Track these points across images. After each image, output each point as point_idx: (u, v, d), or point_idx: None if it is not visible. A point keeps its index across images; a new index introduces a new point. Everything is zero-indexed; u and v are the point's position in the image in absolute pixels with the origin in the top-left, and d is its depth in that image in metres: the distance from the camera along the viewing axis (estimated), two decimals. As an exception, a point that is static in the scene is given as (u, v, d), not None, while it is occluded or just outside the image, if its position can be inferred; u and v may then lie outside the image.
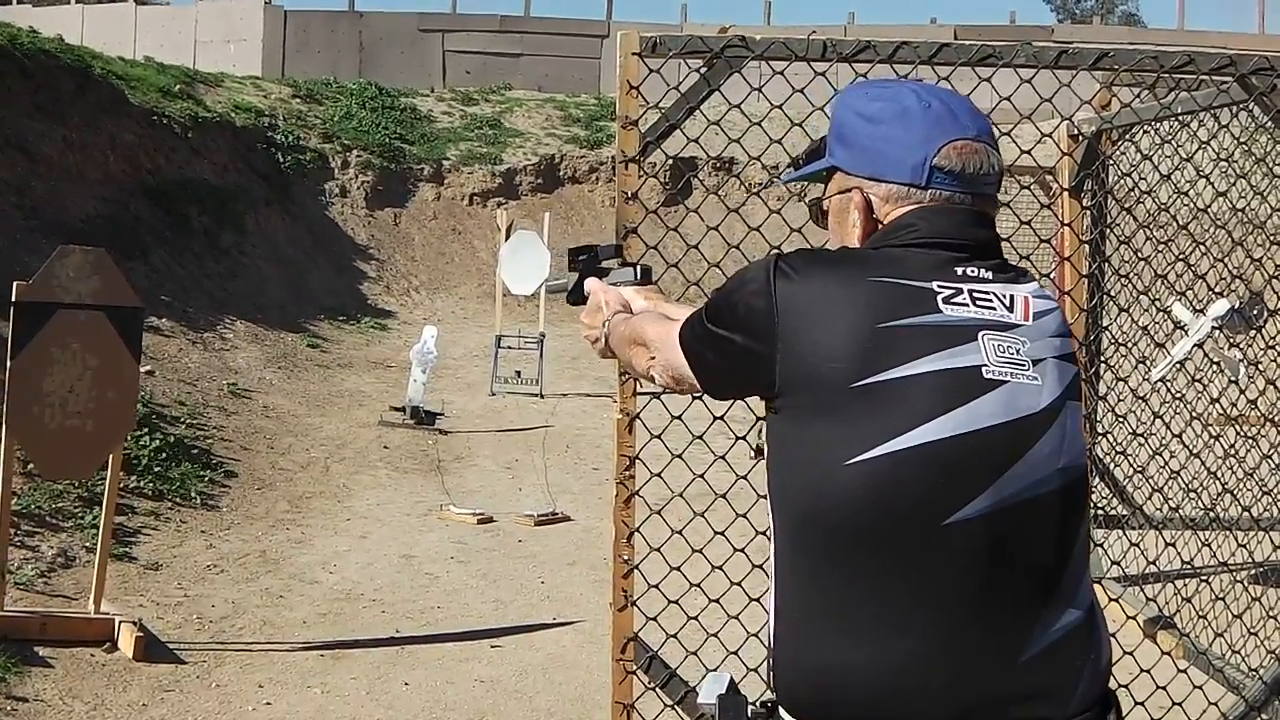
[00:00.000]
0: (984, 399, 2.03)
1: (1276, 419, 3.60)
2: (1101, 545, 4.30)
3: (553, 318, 15.16)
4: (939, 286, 2.09)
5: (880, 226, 2.19)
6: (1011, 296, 2.12)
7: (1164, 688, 3.62)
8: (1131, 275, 3.99)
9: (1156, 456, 3.80)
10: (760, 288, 2.12)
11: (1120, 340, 4.41)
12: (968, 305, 2.08)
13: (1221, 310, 3.72)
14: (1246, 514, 3.86)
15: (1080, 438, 2.12)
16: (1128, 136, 4.68)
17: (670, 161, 16.32)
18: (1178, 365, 3.95)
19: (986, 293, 2.11)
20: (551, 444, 11.67)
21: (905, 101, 2.20)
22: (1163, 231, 3.99)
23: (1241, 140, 3.75)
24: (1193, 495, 3.95)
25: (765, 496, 2.13)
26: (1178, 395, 3.83)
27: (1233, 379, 3.72)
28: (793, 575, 2.11)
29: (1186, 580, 4.10)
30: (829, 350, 2.04)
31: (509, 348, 14.74)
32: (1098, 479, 4.74)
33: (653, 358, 2.40)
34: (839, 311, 2.06)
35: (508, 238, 15.25)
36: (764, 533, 2.19)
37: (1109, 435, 4.47)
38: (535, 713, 5.97)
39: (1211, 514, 4.07)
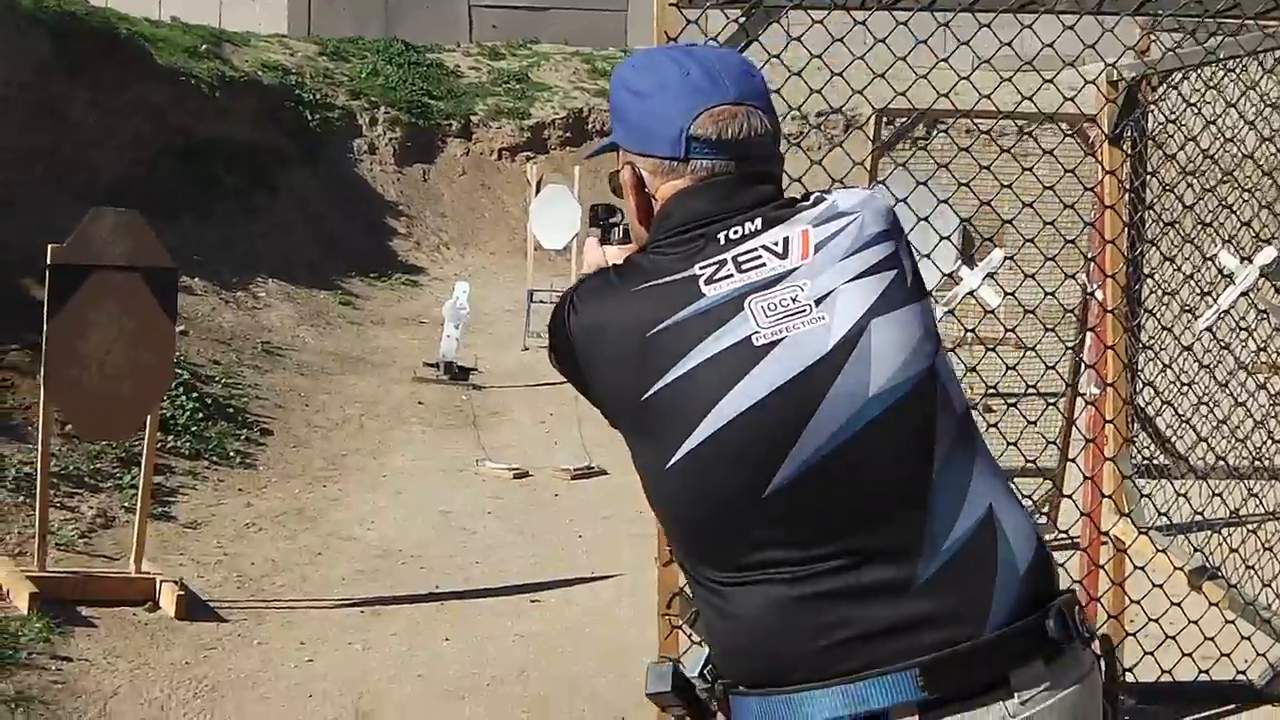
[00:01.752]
0: (760, 366, 1.99)
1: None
2: (1147, 496, 4.27)
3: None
4: (700, 269, 2.06)
5: (654, 202, 2.18)
6: (786, 239, 2.07)
7: (1211, 639, 3.61)
8: (1174, 223, 3.95)
9: (1201, 405, 3.77)
10: (559, 328, 2.17)
11: (1164, 289, 4.37)
12: (732, 275, 2.05)
13: (1269, 258, 3.68)
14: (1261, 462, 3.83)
15: (904, 345, 2.03)
16: (1169, 82, 4.61)
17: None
18: (1224, 314, 3.91)
19: (753, 250, 2.07)
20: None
21: (664, 72, 2.17)
22: (1205, 179, 3.95)
23: (1288, 85, 3.70)
24: (1238, 444, 3.92)
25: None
26: (1224, 344, 3.80)
27: (1278, 327, 3.68)
28: (693, 592, 2.14)
29: (1233, 530, 4.07)
30: (614, 373, 2.08)
31: (541, 302, 14.69)
32: (1139, 429, 4.71)
33: None
34: (613, 334, 2.08)
35: (538, 192, 15.22)
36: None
37: (1152, 385, 4.44)
38: (576, 667, 5.99)
39: (1258, 463, 4.04)
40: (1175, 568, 3.96)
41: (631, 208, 2.24)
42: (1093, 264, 4.32)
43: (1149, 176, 4.58)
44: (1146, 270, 4.65)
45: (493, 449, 10.02)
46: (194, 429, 9.36)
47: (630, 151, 2.22)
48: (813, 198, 2.15)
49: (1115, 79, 4.64)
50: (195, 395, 9.88)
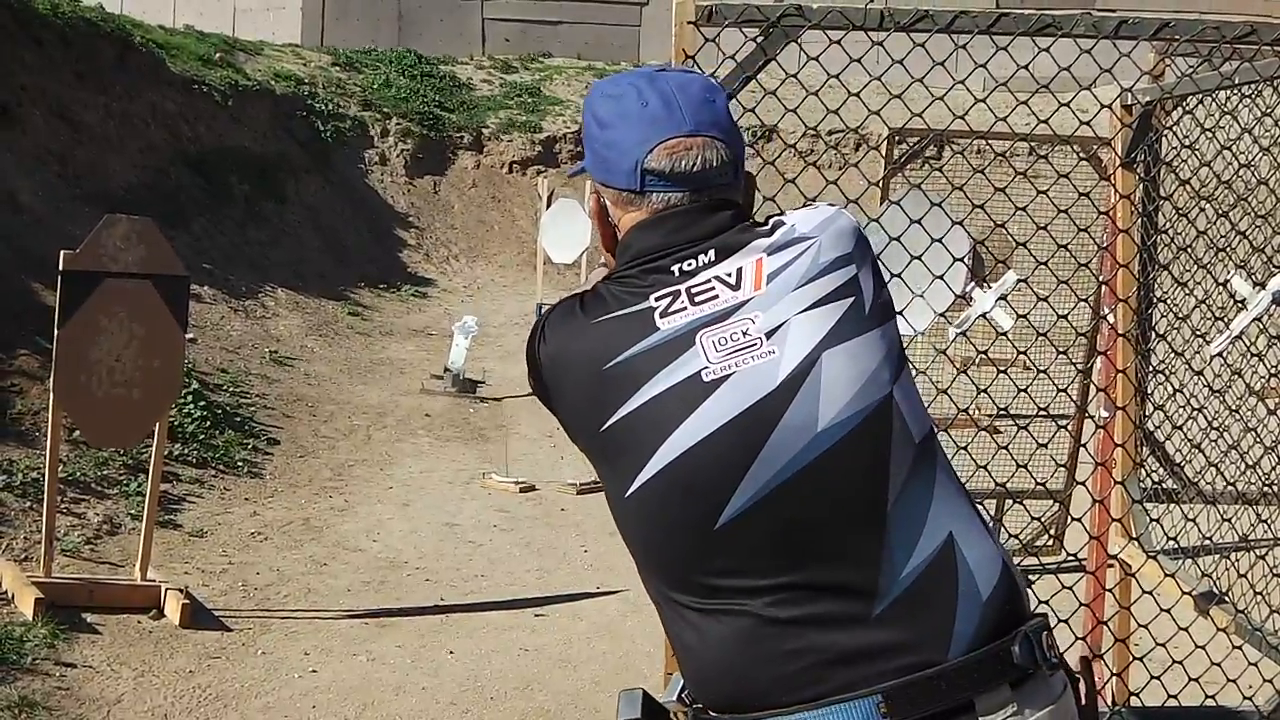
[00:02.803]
0: (709, 402, 2.00)
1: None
2: (1155, 520, 4.27)
3: (593, 286, 15.12)
4: (655, 300, 2.07)
5: (617, 231, 2.19)
6: (739, 269, 2.07)
7: (1218, 664, 3.60)
8: (1187, 248, 3.95)
9: (1212, 430, 3.77)
10: (531, 354, 2.19)
11: (1176, 313, 4.36)
12: (685, 308, 2.05)
13: (1280, 284, 3.69)
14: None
15: (857, 377, 2.02)
16: (1183, 107, 4.61)
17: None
18: (1235, 339, 3.91)
19: (706, 281, 2.07)
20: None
21: (625, 102, 2.17)
22: (1219, 204, 3.95)
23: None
24: (1249, 470, 3.91)
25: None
26: (1235, 370, 3.79)
27: (1292, 353, 3.68)
28: (662, 621, 2.13)
29: (1241, 556, 4.06)
30: (574, 404, 2.11)
31: (550, 316, 14.69)
32: (1148, 453, 4.70)
33: None
34: (574, 365, 2.10)
35: (549, 206, 15.24)
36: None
37: (1162, 409, 4.43)
38: (580, 682, 5.99)
39: (1267, 489, 4.03)
40: (1183, 592, 3.95)
41: (600, 235, 2.26)
42: (1104, 287, 4.31)
43: (1162, 201, 4.58)
44: (1158, 294, 4.65)
45: (499, 462, 10.02)
46: (201, 437, 9.38)
47: (595, 180, 2.22)
48: (771, 222, 2.16)
49: (1130, 103, 4.64)
50: (203, 403, 9.89)
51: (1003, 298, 3.40)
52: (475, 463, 10.11)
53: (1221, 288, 4.04)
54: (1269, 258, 3.77)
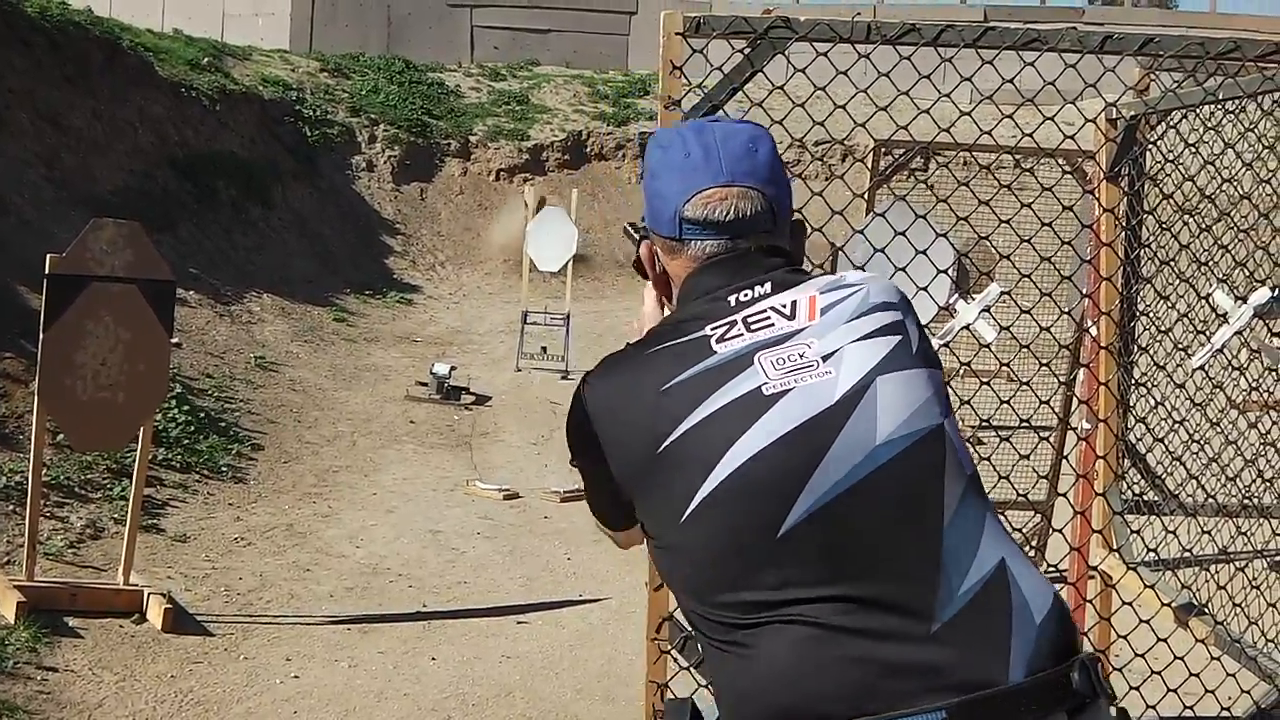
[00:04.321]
0: (770, 414, 2.05)
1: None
2: (1136, 531, 4.29)
3: (579, 294, 15.18)
4: (711, 329, 2.14)
5: (670, 277, 2.30)
6: (794, 303, 2.16)
7: (1197, 675, 3.61)
8: (1169, 261, 3.97)
9: (1193, 443, 3.79)
10: (576, 408, 2.24)
11: (1157, 326, 4.39)
12: (742, 334, 2.13)
13: (1263, 298, 3.70)
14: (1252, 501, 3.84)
15: (910, 402, 2.08)
16: (1168, 121, 4.64)
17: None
18: (1217, 352, 3.93)
19: (762, 312, 2.15)
20: (578, 421, 11.65)
21: (671, 152, 2.28)
22: (1202, 218, 3.98)
23: (1284, 126, 3.73)
24: (1229, 483, 3.94)
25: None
26: (1216, 384, 3.81)
27: (1271, 367, 3.70)
28: (698, 635, 2.13)
29: (1220, 568, 4.08)
30: (630, 432, 2.13)
31: (535, 323, 14.75)
32: (1130, 465, 4.72)
33: None
34: (629, 396, 2.15)
35: (535, 213, 15.25)
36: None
37: (1144, 421, 4.45)
38: (562, 689, 5.99)
39: (1247, 501, 4.05)
40: (1162, 603, 3.97)
41: (651, 279, 2.35)
42: (1088, 300, 4.33)
43: (1146, 214, 4.60)
44: (1141, 308, 4.68)
45: (484, 469, 10.03)
46: (185, 442, 9.37)
47: (649, 227, 2.32)
48: (818, 272, 2.26)
49: (1115, 117, 4.67)
50: (188, 408, 9.88)
51: (986, 309, 3.41)
52: (459, 470, 10.11)
53: (1204, 301, 4.06)
54: (1251, 272, 3.79)
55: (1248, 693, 3.62)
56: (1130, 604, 3.98)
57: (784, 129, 3.97)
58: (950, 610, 1.97)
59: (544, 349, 14.55)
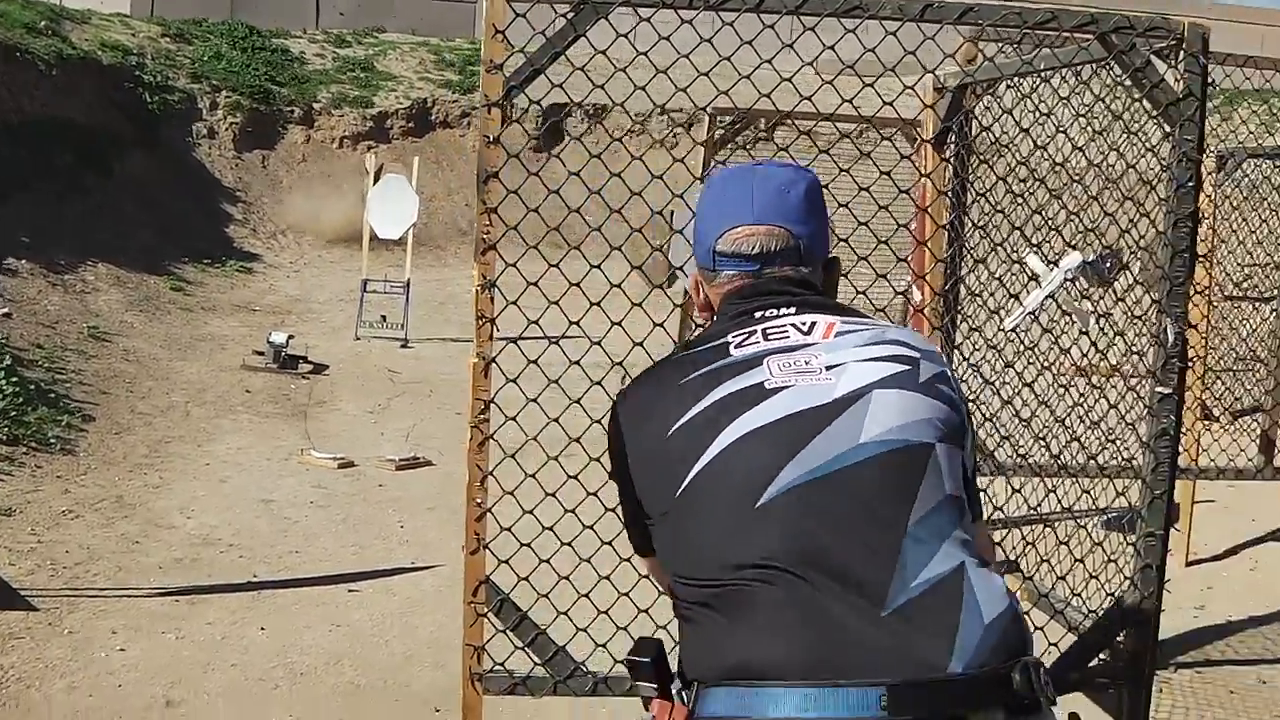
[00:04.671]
0: (767, 403, 2.24)
1: (1124, 370, 3.67)
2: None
3: (420, 263, 15.04)
4: (733, 336, 2.38)
5: (710, 301, 2.56)
6: (812, 323, 2.37)
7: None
8: (989, 227, 4.05)
9: (1008, 405, 3.86)
10: (611, 423, 2.47)
11: (976, 291, 4.47)
12: (759, 342, 2.35)
13: (1074, 263, 3.77)
14: (1093, 461, 3.93)
15: (904, 414, 2.22)
16: (991, 91, 4.72)
17: (541, 107, 16.15)
18: (1030, 316, 4.00)
19: (781, 326, 2.37)
20: (415, 389, 11.60)
21: (714, 193, 2.57)
22: (1021, 185, 4.05)
23: (1100, 97, 3.80)
24: (1041, 443, 4.02)
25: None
26: (1029, 345, 3.89)
27: (1083, 330, 3.78)
28: (676, 596, 2.31)
29: (1032, 526, 4.17)
30: (650, 422, 2.34)
31: (375, 292, 14.62)
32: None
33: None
34: (654, 391, 2.39)
35: (375, 181, 15.09)
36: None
37: (964, 384, 4.53)
38: (392, 657, 5.95)
39: (1059, 461, 4.14)
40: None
41: (697, 305, 2.62)
42: (909, 265, 4.40)
43: (968, 182, 4.68)
44: (963, 272, 4.76)
45: (319, 438, 9.91)
46: (13, 414, 9.12)
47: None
48: (830, 307, 2.44)
49: (939, 85, 4.74)
50: (15, 379, 9.63)
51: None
52: (294, 439, 9.98)
53: (1018, 266, 4.14)
54: (1066, 239, 3.87)
55: (1054, 645, 3.70)
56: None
57: (606, 93, 3.97)
58: (902, 599, 2.08)
59: (383, 318, 14.42)
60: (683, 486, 2.24)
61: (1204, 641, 6.78)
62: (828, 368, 2.27)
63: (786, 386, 2.25)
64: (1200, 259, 7.25)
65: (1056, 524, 3.84)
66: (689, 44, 3.56)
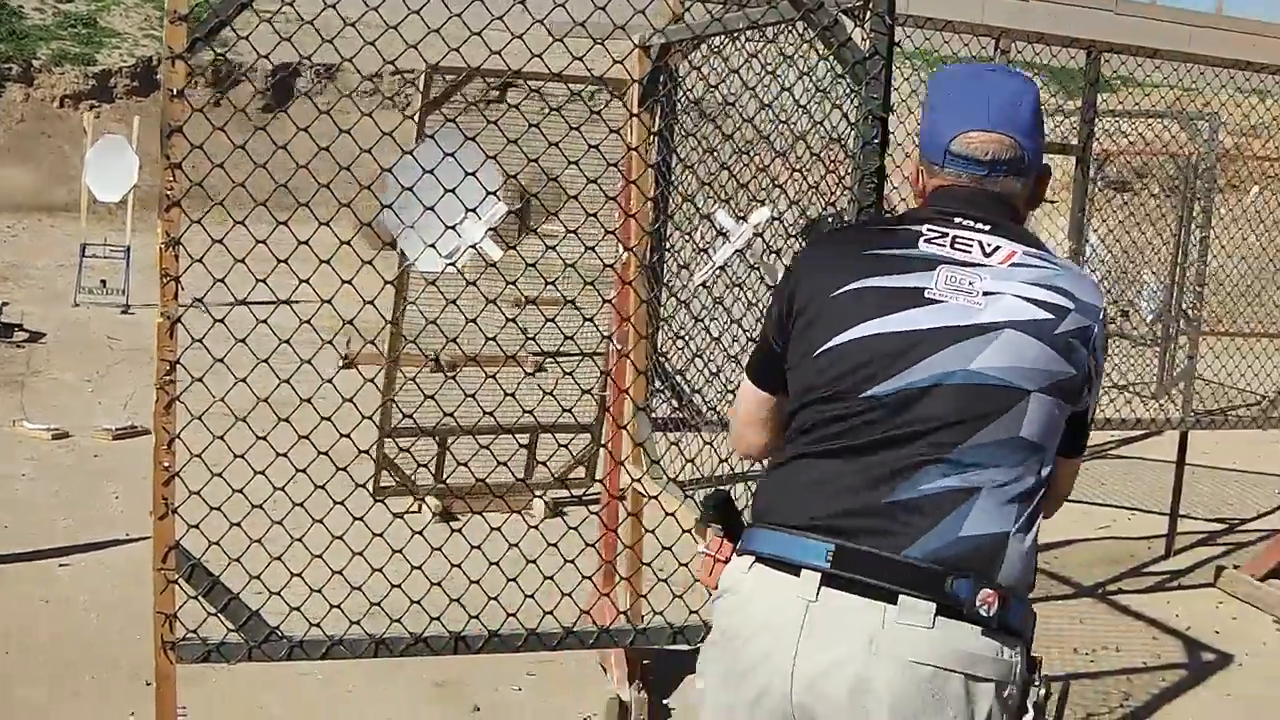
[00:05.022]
0: (919, 310, 2.55)
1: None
2: (671, 448, 4.46)
3: (141, 226, 14.54)
4: (928, 230, 2.66)
5: (925, 187, 2.82)
6: (996, 247, 2.64)
7: (664, 580, 3.76)
8: (680, 184, 4.09)
9: (697, 359, 3.92)
10: (795, 260, 2.83)
11: (670, 248, 4.53)
12: (945, 246, 2.63)
13: (762, 217, 3.85)
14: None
15: (1018, 358, 2.53)
16: (693, 51, 4.76)
17: (272, 63, 15.88)
18: (719, 270, 4.07)
19: (969, 240, 2.65)
20: (135, 356, 11.26)
21: (943, 92, 2.82)
22: (706, 142, 4.13)
23: (788, 56, 3.86)
24: (730, 397, 4.10)
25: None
26: (717, 299, 3.96)
27: (771, 285, 3.86)
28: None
29: (726, 480, 4.25)
30: (824, 273, 2.68)
31: (94, 256, 14.15)
32: (661, 385, 4.87)
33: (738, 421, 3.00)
34: (838, 250, 2.75)
35: (94, 142, 14.59)
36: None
37: (671, 340, 4.60)
38: (104, 630, 5.78)
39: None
40: (667, 514, 4.11)
41: (914, 189, 2.90)
42: (627, 222, 4.43)
43: (674, 140, 4.74)
44: (671, 228, 4.82)
45: (34, 409, 9.55)
46: None
47: (917, 147, 2.84)
48: (1020, 233, 2.72)
49: (646, 44, 4.78)
50: None
51: (492, 229, 3.42)
52: (6, 410, 9.59)
53: (706, 221, 4.20)
54: (753, 194, 3.94)
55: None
56: (672, 515, 4.09)
57: (296, 49, 3.88)
58: (904, 496, 2.48)
59: (103, 282, 13.98)
60: (820, 350, 2.61)
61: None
62: (985, 293, 2.57)
63: (941, 301, 2.56)
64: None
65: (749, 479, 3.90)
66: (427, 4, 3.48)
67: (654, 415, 4.80)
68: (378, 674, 5.29)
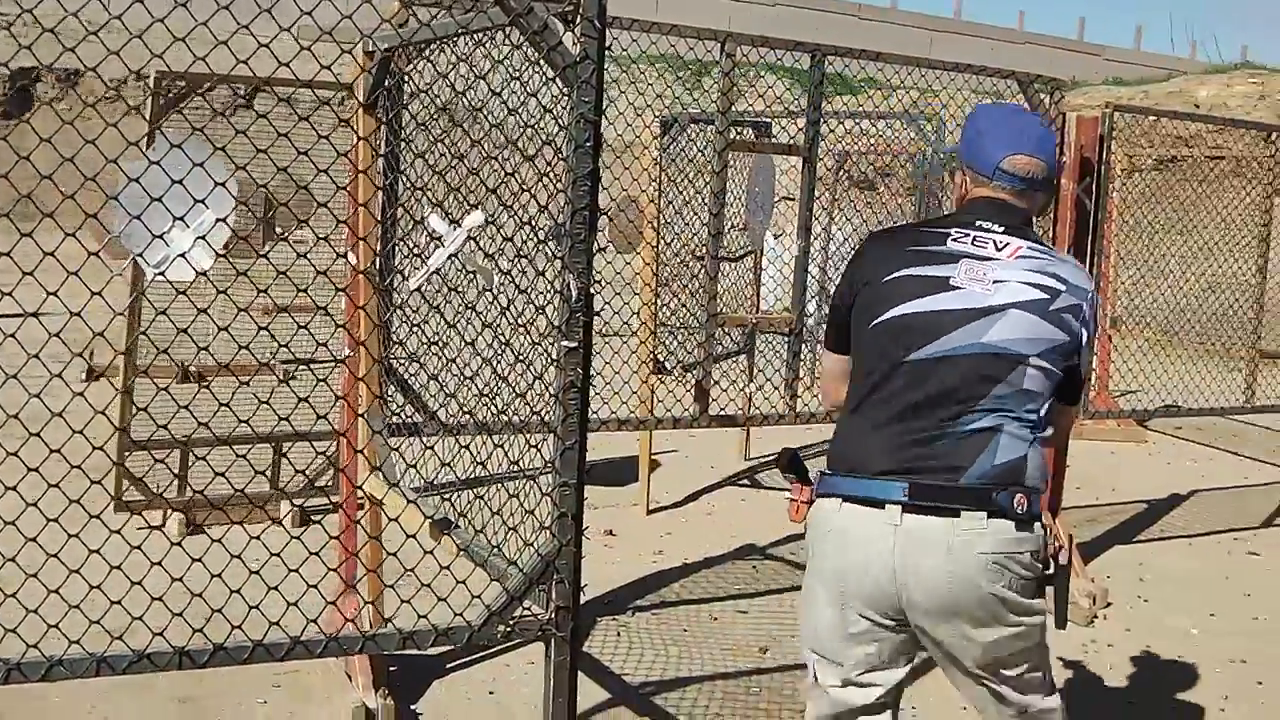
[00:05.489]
0: (945, 294, 3.43)
1: (528, 327, 3.79)
2: (399, 452, 4.45)
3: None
4: (956, 232, 3.54)
5: (966, 193, 3.70)
6: (1007, 244, 3.51)
7: (463, 582, 3.74)
8: (384, 187, 4.07)
9: (411, 363, 3.91)
10: (864, 243, 3.76)
11: (383, 253, 4.52)
12: (967, 244, 3.50)
13: (477, 221, 3.86)
14: (504, 418, 4.04)
15: (1020, 331, 3.41)
16: (425, 54, 4.76)
17: (9, 69, 15.30)
18: (433, 274, 4.07)
19: (987, 239, 3.51)
20: None
21: (990, 121, 3.67)
22: (417, 147, 4.13)
23: (499, 61, 3.88)
24: (450, 400, 4.12)
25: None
26: (432, 305, 3.96)
27: (486, 288, 3.88)
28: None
29: (461, 486, 4.24)
30: (882, 263, 3.56)
31: None
32: (393, 387, 4.86)
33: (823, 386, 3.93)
34: (891, 244, 3.63)
35: None
36: None
37: (403, 345, 4.60)
38: None
39: (467, 418, 4.25)
40: (425, 518, 4.10)
41: (955, 193, 3.86)
42: (346, 227, 4.41)
43: (399, 146, 4.73)
44: (400, 234, 4.81)
45: None
46: None
47: (963, 161, 3.71)
48: (1029, 234, 3.63)
49: (370, 49, 4.76)
50: None
51: (201, 237, 3.38)
52: None
53: (420, 226, 4.21)
54: (463, 198, 3.96)
55: (477, 597, 3.78)
56: (395, 521, 4.06)
57: (34, 56, 3.77)
58: (951, 431, 3.38)
59: None
60: (873, 323, 3.49)
61: (662, 585, 7.14)
62: (994, 281, 3.44)
63: (960, 288, 3.43)
64: (649, 221, 7.60)
65: (501, 485, 3.88)
66: (161, 7, 3.38)
67: (389, 420, 4.79)
68: (118, 692, 5.17)
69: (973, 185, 3.66)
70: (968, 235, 3.51)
